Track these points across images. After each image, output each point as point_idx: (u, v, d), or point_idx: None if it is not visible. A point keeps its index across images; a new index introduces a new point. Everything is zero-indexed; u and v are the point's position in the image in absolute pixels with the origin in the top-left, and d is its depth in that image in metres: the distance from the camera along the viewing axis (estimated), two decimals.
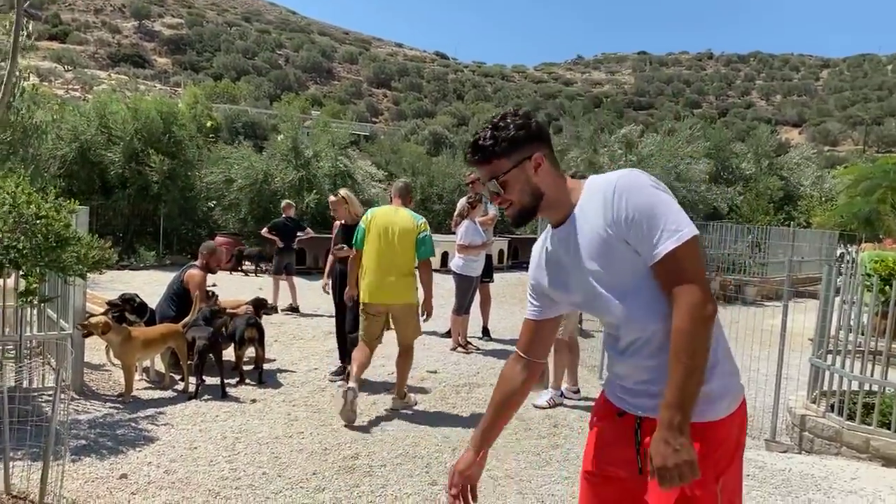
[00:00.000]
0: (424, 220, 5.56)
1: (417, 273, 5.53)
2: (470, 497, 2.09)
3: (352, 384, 5.02)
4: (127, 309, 6.31)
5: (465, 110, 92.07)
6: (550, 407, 5.72)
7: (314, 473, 4.11)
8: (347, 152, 17.19)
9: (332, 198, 6.63)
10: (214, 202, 16.30)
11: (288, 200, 11.46)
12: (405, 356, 5.50)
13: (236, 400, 5.50)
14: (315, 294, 9.59)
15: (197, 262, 6.68)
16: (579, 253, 1.91)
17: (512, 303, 11.26)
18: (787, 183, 19.99)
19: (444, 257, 16.90)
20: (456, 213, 7.85)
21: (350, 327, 6.07)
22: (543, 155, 1.92)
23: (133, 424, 4.77)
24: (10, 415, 3.47)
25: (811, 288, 15.96)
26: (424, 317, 5.62)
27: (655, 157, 14.49)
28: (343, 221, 6.51)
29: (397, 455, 4.50)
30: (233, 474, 4.04)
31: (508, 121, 1.92)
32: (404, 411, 5.46)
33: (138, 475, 3.94)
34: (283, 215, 10.73)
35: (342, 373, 6.24)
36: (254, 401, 5.51)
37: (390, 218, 5.43)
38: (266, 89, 71.30)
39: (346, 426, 4.98)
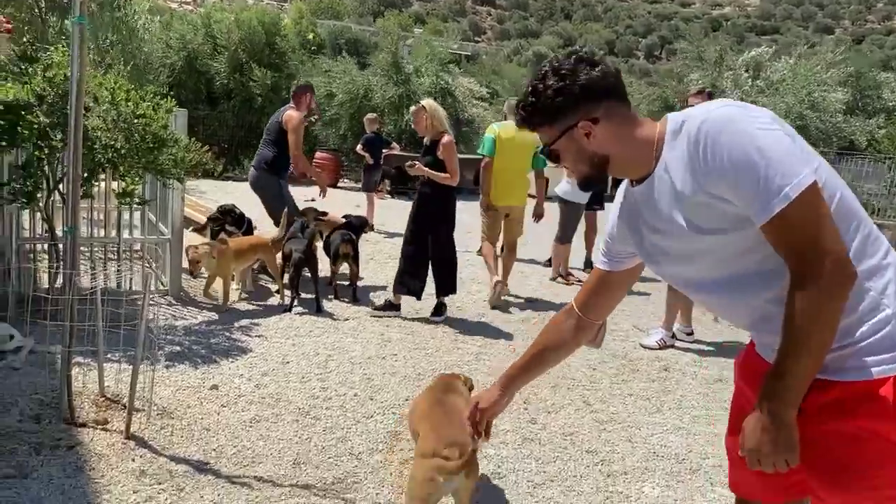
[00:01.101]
0: None
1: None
2: (484, 433, 1.99)
3: (498, 278, 6.16)
4: (228, 221, 6.24)
5: (572, 31, 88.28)
6: (660, 348, 5.25)
7: (406, 399, 3.89)
8: (449, 69, 16.57)
9: (413, 108, 5.88)
10: (316, 117, 16.22)
11: (372, 114, 10.95)
12: (512, 252, 6.56)
13: (330, 316, 5.36)
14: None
15: (292, 104, 6.39)
16: (661, 216, 1.58)
17: None
18: None
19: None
20: None
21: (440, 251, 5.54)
22: (596, 117, 1.54)
23: (227, 334, 4.70)
24: (107, 318, 3.39)
25: None
26: (536, 220, 6.64)
27: (787, 84, 13.10)
28: (423, 137, 5.63)
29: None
30: (324, 393, 3.87)
31: (549, 82, 1.55)
32: (502, 343, 5.15)
33: (229, 387, 3.83)
34: (369, 130, 10.37)
35: (394, 308, 5.51)
36: (347, 319, 5.35)
37: (513, 132, 6.01)
38: (370, 6, 70.54)
39: (437, 352, 4.74)
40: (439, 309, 5.58)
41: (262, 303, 5.62)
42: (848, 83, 14.24)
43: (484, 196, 6.23)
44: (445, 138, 5.38)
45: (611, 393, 4.29)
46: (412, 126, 13.22)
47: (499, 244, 6.53)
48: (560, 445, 3.52)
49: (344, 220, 6.60)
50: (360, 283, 6.18)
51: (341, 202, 12.29)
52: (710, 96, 5.30)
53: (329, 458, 3.17)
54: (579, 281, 7.36)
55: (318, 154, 14.85)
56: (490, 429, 2.00)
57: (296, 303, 5.45)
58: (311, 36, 19.85)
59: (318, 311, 5.41)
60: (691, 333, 5.51)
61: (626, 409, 4.08)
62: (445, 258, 5.59)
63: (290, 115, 6.18)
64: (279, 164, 6.27)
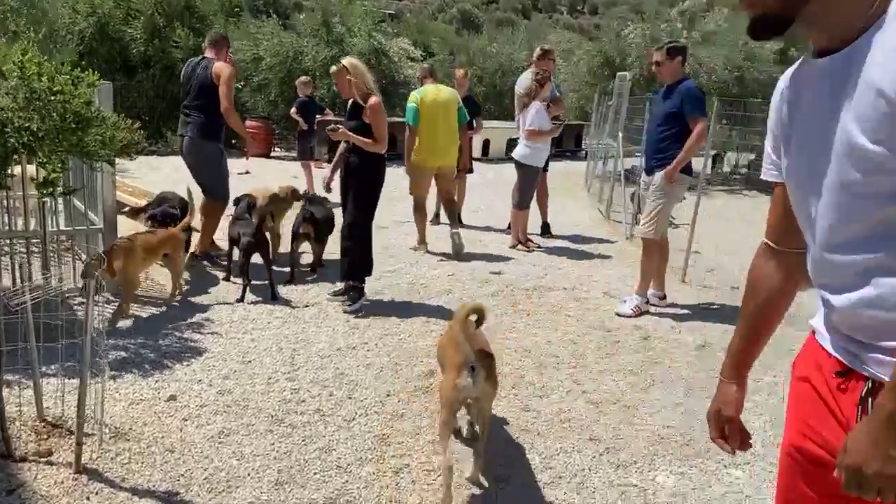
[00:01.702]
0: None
1: None
2: (739, 437, 1.58)
3: (454, 230, 6.61)
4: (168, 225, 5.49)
5: None
6: (636, 315, 5.08)
7: (388, 395, 3.57)
8: (382, 27, 15.90)
9: (332, 68, 5.21)
10: (242, 83, 15.33)
11: (304, 77, 10.14)
12: (451, 201, 7.01)
13: (288, 304, 4.94)
14: None
15: (210, 55, 5.65)
16: (844, 109, 1.12)
17: (564, 195, 10.48)
18: None
19: (486, 145, 15.99)
20: (521, 93, 6.93)
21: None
22: None
23: (177, 333, 4.24)
24: (38, 325, 2.91)
25: None
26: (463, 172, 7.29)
27: (724, 34, 13.10)
28: (349, 99, 5.02)
29: None
30: (295, 395, 3.51)
31: None
32: None
33: (189, 396, 3.42)
34: (301, 94, 9.75)
35: (354, 294, 4.95)
36: (307, 305, 4.95)
37: (436, 95, 6.51)
38: None
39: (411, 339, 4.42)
40: (354, 297, 4.91)
41: (206, 293, 5.14)
42: None
43: (406, 161, 6.63)
44: (372, 100, 4.77)
45: (598, 370, 4.08)
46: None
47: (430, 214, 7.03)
48: (559, 434, 3.28)
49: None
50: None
51: (276, 172, 11.70)
52: (674, 52, 5.05)
53: (314, 473, 2.83)
54: (539, 247, 7.14)
55: (247, 123, 14.02)
56: (746, 434, 1.59)
57: (248, 291, 5.00)
58: None
59: (274, 298, 4.99)
60: (664, 297, 5.37)
61: (617, 386, 3.88)
62: (361, 235, 4.96)
63: (220, 66, 5.47)
64: (218, 128, 5.61)
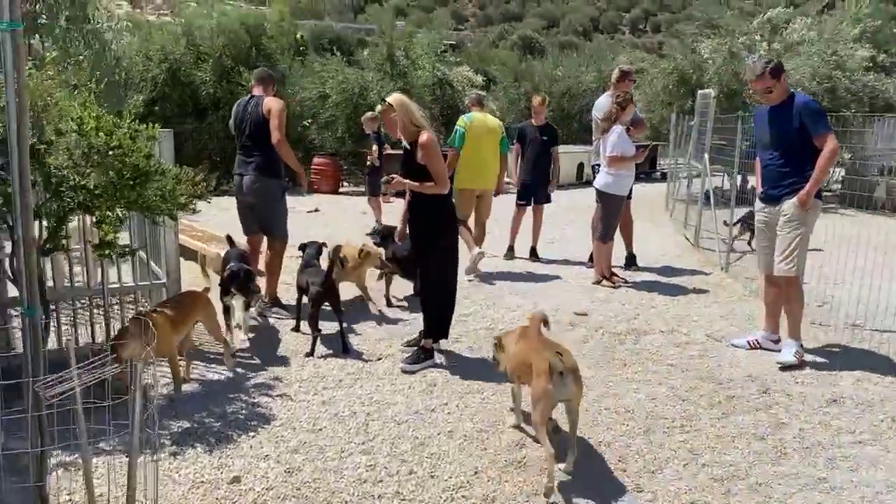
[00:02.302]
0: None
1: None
2: None
3: (479, 249, 6.59)
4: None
5: (554, 11, 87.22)
6: (798, 363, 4.43)
7: (475, 473, 3.12)
8: (444, 58, 15.73)
9: (378, 108, 5.12)
10: (310, 120, 15.40)
11: (369, 113, 9.70)
12: (482, 229, 7.11)
13: (360, 357, 4.58)
14: None
15: (258, 93, 5.46)
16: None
17: (645, 221, 9.86)
18: None
19: (580, 168, 15.33)
20: (601, 118, 6.46)
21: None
22: None
23: (243, 397, 3.91)
24: (87, 392, 2.54)
25: None
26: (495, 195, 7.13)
27: (809, 44, 12.25)
28: (400, 139, 4.46)
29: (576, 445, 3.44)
30: (372, 474, 3.10)
31: None
32: None
33: (254, 476, 3.06)
34: (368, 130, 9.46)
35: (419, 353, 4.45)
36: (380, 358, 4.57)
37: (484, 121, 6.87)
38: (349, 2, 69.59)
39: (491, 397, 3.97)
40: (419, 355, 4.41)
41: (275, 345, 4.83)
42: (870, 39, 13.38)
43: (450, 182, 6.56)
44: (423, 137, 4.22)
45: (715, 434, 3.52)
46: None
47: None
48: None
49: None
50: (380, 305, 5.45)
51: (345, 208, 11.55)
52: (778, 72, 4.46)
53: None
54: (625, 282, 6.58)
55: (315, 160, 14.05)
56: None
57: (318, 343, 4.67)
58: (298, 35, 19.00)
59: (345, 351, 4.63)
60: (779, 341, 4.74)
61: (742, 456, 3.31)
62: (437, 293, 4.48)
63: (270, 101, 5.33)
64: (278, 165, 5.45)
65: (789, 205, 4.42)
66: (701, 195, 8.61)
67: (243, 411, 3.72)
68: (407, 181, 4.34)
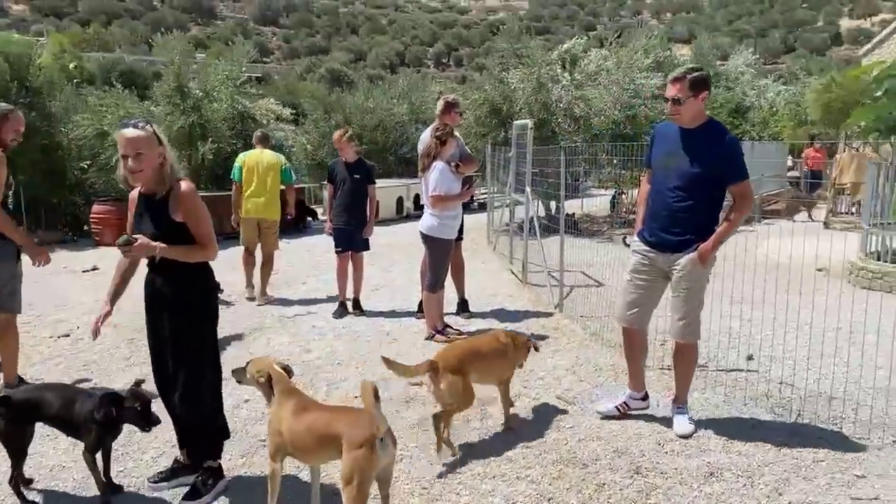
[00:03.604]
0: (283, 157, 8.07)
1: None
2: None
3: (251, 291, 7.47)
4: None
5: (361, 45, 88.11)
6: (620, 415, 3.88)
7: None
8: (245, 90, 14.46)
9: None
10: (88, 162, 13.34)
11: None
12: (268, 263, 7.56)
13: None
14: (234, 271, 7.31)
15: None
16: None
17: (471, 256, 9.34)
18: (734, 94, 18.73)
19: (399, 203, 14.71)
20: (422, 154, 5.76)
21: None
22: None
23: None
24: None
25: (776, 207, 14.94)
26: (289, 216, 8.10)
27: (608, 73, 12.65)
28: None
29: None
30: None
31: None
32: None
33: None
34: None
35: (206, 478, 3.22)
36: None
37: (259, 156, 7.53)
38: (143, 34, 65.06)
39: None
40: (204, 481, 3.22)
41: None
42: (657, 68, 14.19)
43: (235, 213, 7.54)
44: (185, 186, 3.08)
45: None
46: (209, 160, 11.60)
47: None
48: None
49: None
50: None
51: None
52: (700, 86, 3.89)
53: None
54: (460, 333, 5.87)
55: (95, 207, 12.14)
56: None
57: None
58: (71, 65, 16.67)
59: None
60: (646, 398, 4.17)
61: None
62: (193, 398, 3.17)
63: None
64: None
65: (689, 261, 3.69)
66: (526, 227, 8.24)
67: None
68: (158, 244, 3.01)
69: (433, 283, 5.72)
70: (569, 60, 13.71)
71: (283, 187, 7.68)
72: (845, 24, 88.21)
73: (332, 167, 6.85)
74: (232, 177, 7.53)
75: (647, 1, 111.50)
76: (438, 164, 5.51)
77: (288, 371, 3.06)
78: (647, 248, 3.86)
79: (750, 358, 5.13)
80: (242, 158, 7.50)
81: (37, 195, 12.61)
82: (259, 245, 7.54)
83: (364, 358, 5.31)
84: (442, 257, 5.70)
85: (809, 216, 14.22)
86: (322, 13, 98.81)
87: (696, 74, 3.62)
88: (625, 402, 4.08)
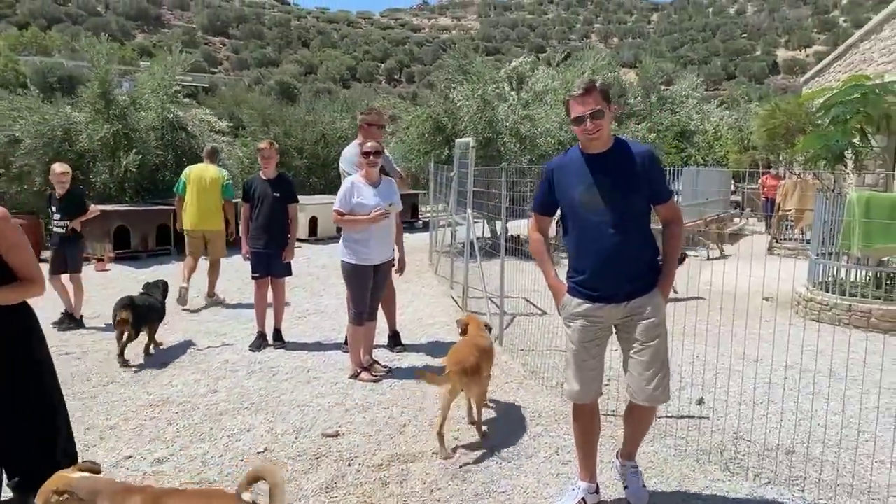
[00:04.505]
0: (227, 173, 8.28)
1: None
2: None
3: (184, 284, 7.52)
4: None
5: (312, 58, 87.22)
6: None
7: None
8: (178, 98, 13.66)
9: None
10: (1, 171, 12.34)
11: (56, 166, 6.88)
12: (214, 267, 7.98)
13: None
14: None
15: None
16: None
17: (410, 278, 8.81)
18: (679, 117, 18.77)
19: (313, 224, 14.09)
20: (345, 170, 5.20)
21: None
22: None
23: None
24: None
25: (722, 231, 14.78)
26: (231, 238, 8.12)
27: (554, 92, 12.37)
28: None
29: None
30: None
31: None
32: None
33: None
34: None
35: None
36: None
37: (202, 171, 7.90)
38: (84, 40, 62.93)
39: None
40: None
41: None
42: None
43: (180, 224, 7.97)
44: None
45: None
46: (133, 172, 11.06)
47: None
48: None
49: None
50: None
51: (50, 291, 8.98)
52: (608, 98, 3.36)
53: None
54: (389, 372, 5.31)
55: None
56: None
57: None
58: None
59: None
60: (597, 490, 3.51)
61: None
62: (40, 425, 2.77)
63: None
64: None
65: (655, 306, 3.05)
66: (466, 250, 7.75)
67: None
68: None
69: (354, 315, 5.14)
70: (516, 79, 13.36)
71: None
72: (782, 54, 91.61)
73: (248, 183, 6.11)
74: (176, 189, 7.90)
75: (596, 26, 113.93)
76: (351, 178, 4.96)
77: (94, 470, 2.26)
78: (595, 305, 3.09)
79: (700, 402, 4.69)
80: (187, 172, 7.87)
81: None
82: (207, 253, 8.00)
83: (278, 400, 4.70)
84: (355, 286, 5.10)
85: (720, 251, 12.46)
86: (273, 25, 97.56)
87: (603, 82, 3.06)
88: (583, 499, 3.30)
